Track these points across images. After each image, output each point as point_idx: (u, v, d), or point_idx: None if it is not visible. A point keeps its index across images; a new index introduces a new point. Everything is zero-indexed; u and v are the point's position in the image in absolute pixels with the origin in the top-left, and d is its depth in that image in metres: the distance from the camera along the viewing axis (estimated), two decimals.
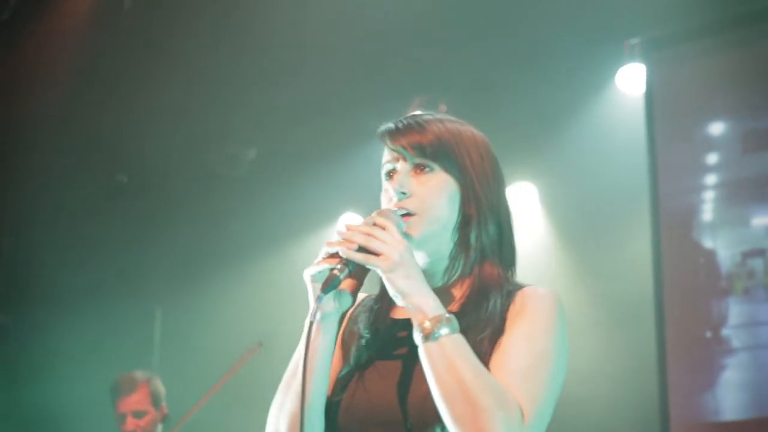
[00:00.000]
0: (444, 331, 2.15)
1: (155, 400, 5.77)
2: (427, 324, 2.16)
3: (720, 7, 5.72)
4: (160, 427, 5.78)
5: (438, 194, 2.37)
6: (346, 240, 2.22)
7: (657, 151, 5.85)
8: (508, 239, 2.46)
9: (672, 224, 5.73)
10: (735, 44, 5.82)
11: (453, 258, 2.41)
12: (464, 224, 2.39)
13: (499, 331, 2.30)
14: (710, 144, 5.73)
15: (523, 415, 2.15)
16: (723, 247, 5.45)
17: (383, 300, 2.45)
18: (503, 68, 6.58)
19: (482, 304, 2.34)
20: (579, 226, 6.64)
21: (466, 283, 2.41)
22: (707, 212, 5.62)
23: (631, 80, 6.16)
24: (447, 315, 2.18)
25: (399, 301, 2.21)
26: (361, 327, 2.45)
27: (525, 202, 6.84)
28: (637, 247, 5.96)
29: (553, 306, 2.35)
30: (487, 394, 2.12)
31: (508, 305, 2.34)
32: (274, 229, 7.62)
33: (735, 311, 5.35)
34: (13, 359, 7.50)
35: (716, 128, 5.74)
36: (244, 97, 7.06)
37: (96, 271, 7.53)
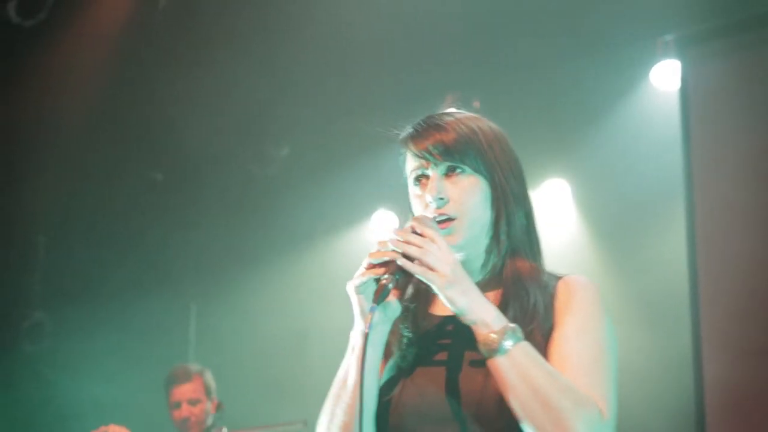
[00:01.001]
0: (509, 342, 2.15)
1: (208, 391, 6.00)
2: (493, 337, 2.15)
3: (755, 3, 5.69)
4: (211, 418, 5.97)
5: (473, 196, 2.37)
6: (394, 251, 2.21)
7: (692, 148, 5.81)
8: (534, 229, 2.46)
9: (707, 222, 5.69)
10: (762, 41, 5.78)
11: (488, 253, 2.42)
12: (497, 220, 2.39)
13: (546, 321, 2.31)
14: (746, 140, 5.68)
15: (600, 411, 2.16)
16: (760, 245, 5.40)
17: (419, 299, 2.46)
18: (536, 66, 6.57)
19: (523, 296, 2.33)
20: (612, 223, 6.61)
21: (502, 276, 2.40)
22: (744, 210, 5.57)
23: (665, 77, 6.13)
24: (510, 325, 2.17)
25: (463, 319, 2.19)
26: (402, 327, 2.42)
27: (559, 199, 6.81)
28: (671, 246, 5.92)
29: (597, 295, 2.37)
30: (564, 396, 2.12)
31: (552, 296, 2.35)
32: (307, 226, 7.65)
33: None
34: (50, 356, 7.55)
35: (752, 124, 5.70)
36: (278, 95, 7.07)
37: (131, 268, 7.58)
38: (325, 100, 7.07)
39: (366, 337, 2.19)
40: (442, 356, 2.34)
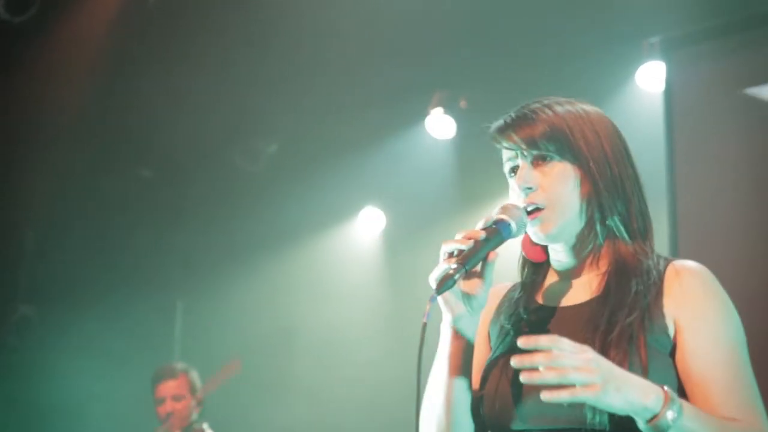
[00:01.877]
0: (671, 415, 2.02)
1: (192, 389, 6.18)
2: (659, 422, 2.03)
3: (741, 6, 5.72)
4: (195, 415, 6.14)
5: (562, 183, 2.33)
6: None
7: (676, 149, 5.83)
8: (639, 210, 2.41)
9: (690, 223, 5.71)
10: (756, 43, 5.80)
11: (583, 238, 2.37)
12: (589, 208, 2.35)
13: (652, 311, 2.25)
14: (730, 143, 5.72)
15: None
16: (742, 247, 5.43)
17: (525, 288, 2.45)
18: (522, 65, 6.58)
19: (624, 286, 2.28)
20: None
21: (603, 263, 2.36)
22: (727, 211, 5.60)
23: (650, 78, 6.16)
24: (668, 396, 2.04)
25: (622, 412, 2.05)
26: (503, 318, 2.43)
27: None
28: (654, 247, 5.95)
29: (716, 285, 2.31)
30: None
31: (660, 283, 2.29)
32: (294, 223, 7.68)
33: None
34: (35, 351, 7.56)
35: (736, 127, 5.73)
36: (266, 92, 7.08)
37: (119, 263, 7.59)
38: (313, 97, 7.08)
39: (424, 327, 2.14)
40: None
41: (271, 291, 7.59)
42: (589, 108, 2.44)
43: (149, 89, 7.11)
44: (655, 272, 2.30)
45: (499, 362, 2.34)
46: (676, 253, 5.65)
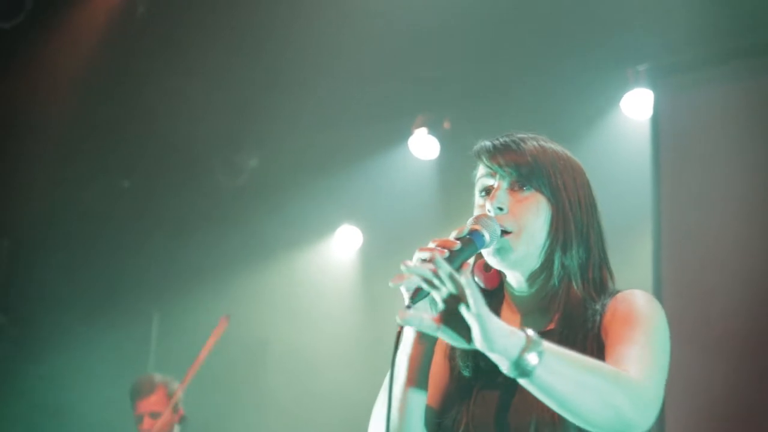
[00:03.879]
0: (533, 357, 2.01)
1: (171, 402, 5.94)
2: (521, 362, 2.01)
3: (727, 38, 5.74)
4: (176, 429, 5.90)
5: (534, 213, 2.38)
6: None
7: (661, 177, 5.87)
8: (598, 264, 2.44)
9: (674, 251, 5.75)
10: (743, 74, 5.86)
11: (536, 276, 2.42)
12: (552, 246, 2.39)
13: (591, 345, 2.31)
14: (715, 172, 5.74)
15: (633, 375, 2.14)
16: (725, 275, 5.46)
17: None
18: (508, 89, 6.60)
19: (576, 326, 2.35)
20: None
21: (554, 302, 2.40)
22: (710, 239, 5.63)
23: (636, 106, 6.17)
24: (528, 336, 2.03)
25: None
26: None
27: None
28: (638, 273, 5.94)
29: (645, 299, 2.38)
30: (596, 376, 2.08)
31: (602, 315, 2.35)
32: (272, 238, 7.67)
33: None
34: (7, 359, 7.50)
35: (721, 156, 5.75)
36: (250, 106, 7.08)
37: (95, 273, 7.55)
38: (298, 114, 7.09)
39: (398, 334, 2.18)
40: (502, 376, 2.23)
41: (246, 304, 7.54)
42: (572, 157, 2.50)
43: (132, 100, 7.08)
44: (599, 314, 2.37)
45: (462, 388, 2.39)
46: (660, 279, 5.69)
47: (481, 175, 2.46)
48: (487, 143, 2.46)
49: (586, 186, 2.48)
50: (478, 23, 6.29)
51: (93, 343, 7.24)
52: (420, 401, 2.35)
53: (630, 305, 2.34)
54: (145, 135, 7.24)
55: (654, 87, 6.10)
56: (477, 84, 6.66)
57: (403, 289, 2.16)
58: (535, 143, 2.44)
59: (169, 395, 5.97)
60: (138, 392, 5.99)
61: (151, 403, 5.94)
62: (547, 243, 2.39)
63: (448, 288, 2.05)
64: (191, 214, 7.70)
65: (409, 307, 2.14)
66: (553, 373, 2.03)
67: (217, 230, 7.67)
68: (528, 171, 2.38)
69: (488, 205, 2.38)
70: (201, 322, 7.57)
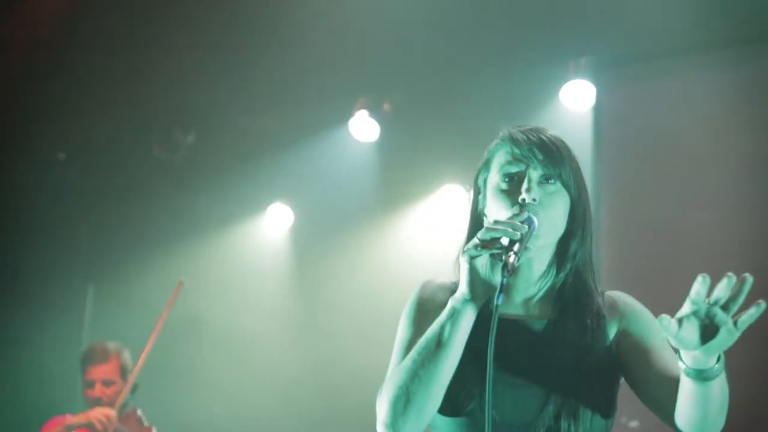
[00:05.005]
0: (721, 366, 2.20)
1: (123, 372, 5.96)
2: (718, 366, 2.18)
3: (669, 34, 5.82)
4: (126, 398, 5.90)
5: (560, 208, 2.51)
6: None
7: (601, 168, 5.94)
8: (592, 252, 2.61)
9: (613, 241, 5.81)
10: (683, 69, 5.95)
11: (549, 266, 2.56)
12: (568, 236, 2.54)
13: (603, 338, 2.50)
14: (653, 163, 5.81)
15: None
16: (664, 265, 5.54)
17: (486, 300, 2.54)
18: (448, 75, 6.62)
19: (585, 315, 2.51)
20: None
21: (562, 291, 2.55)
22: (649, 229, 5.71)
23: (576, 96, 6.22)
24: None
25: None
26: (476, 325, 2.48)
27: (456, 204, 6.91)
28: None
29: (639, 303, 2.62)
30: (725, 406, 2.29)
31: (605, 318, 2.53)
32: (206, 214, 7.71)
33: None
34: None
35: (659, 148, 5.83)
36: (189, 82, 7.04)
37: (29, 246, 7.47)
38: (239, 91, 7.09)
39: (497, 307, 2.27)
40: (515, 361, 2.47)
41: (180, 277, 7.52)
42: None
43: (68, 73, 7.00)
44: (603, 308, 2.55)
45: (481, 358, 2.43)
46: (600, 270, 5.76)
47: (506, 161, 2.54)
48: (519, 133, 2.56)
49: (585, 183, 2.63)
50: (421, 10, 6.32)
51: (26, 320, 7.19)
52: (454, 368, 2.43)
53: (645, 313, 2.59)
54: (82, 108, 7.16)
55: (595, 79, 6.16)
56: (419, 70, 6.68)
57: (471, 268, 2.37)
58: (556, 136, 2.59)
59: (122, 364, 5.96)
60: (91, 358, 5.93)
61: (104, 370, 5.89)
62: (565, 233, 2.53)
63: None
64: (126, 188, 7.66)
65: (503, 280, 2.28)
66: (720, 386, 2.22)
67: (155, 204, 7.65)
68: (558, 164, 2.51)
69: (525, 196, 2.46)
70: (135, 297, 7.55)
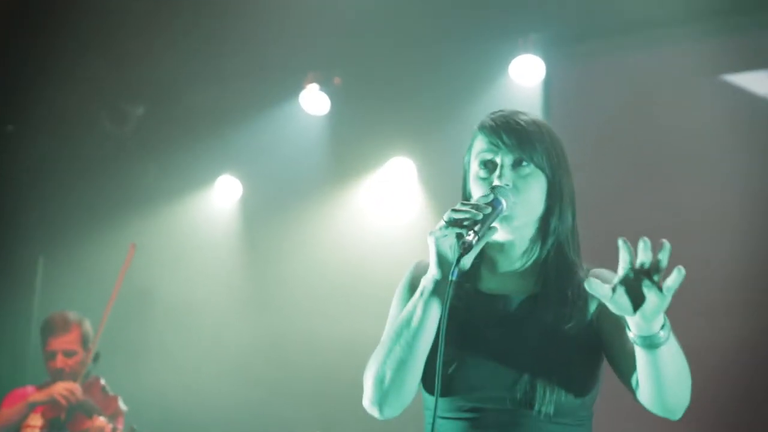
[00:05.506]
0: (667, 333, 2.28)
1: (84, 342, 5.91)
2: (663, 332, 2.26)
3: (620, 12, 5.85)
4: (87, 368, 5.86)
5: (535, 189, 2.61)
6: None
7: None
8: (576, 228, 2.71)
9: None
10: (634, 47, 5.99)
11: (532, 242, 2.66)
12: (547, 214, 2.65)
13: (585, 312, 2.58)
14: (601, 140, 5.85)
15: None
16: (606, 240, 5.57)
17: (469, 276, 2.65)
18: (401, 51, 6.67)
19: (566, 287, 2.59)
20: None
21: (545, 268, 2.65)
22: (592, 203, 5.77)
23: (526, 72, 6.27)
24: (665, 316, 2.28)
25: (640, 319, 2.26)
26: (455, 301, 2.54)
27: (404, 177, 7.04)
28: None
29: None
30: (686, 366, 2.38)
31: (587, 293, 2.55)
32: (156, 186, 7.72)
33: None
34: None
35: (610, 125, 5.87)
36: (139, 54, 7.01)
37: None
38: (188, 64, 7.07)
39: (451, 284, 2.39)
40: (495, 334, 2.56)
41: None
42: (555, 132, 2.74)
43: (16, 44, 6.95)
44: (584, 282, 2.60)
45: (454, 346, 2.52)
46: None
47: (482, 149, 2.65)
48: (490, 119, 2.66)
49: (566, 157, 2.72)
50: None
51: None
52: (428, 348, 2.53)
53: None
54: (31, 81, 7.12)
55: (545, 56, 6.20)
56: (370, 44, 6.71)
57: (437, 248, 2.45)
58: (529, 119, 2.67)
59: (83, 333, 5.91)
60: (52, 329, 5.88)
61: (64, 341, 5.85)
62: (544, 211, 2.64)
63: None
64: (75, 159, 7.63)
65: (459, 259, 2.39)
66: (671, 355, 2.30)
67: (105, 176, 7.62)
68: (530, 149, 2.61)
69: (497, 181, 2.57)
70: (85, 268, 7.54)
